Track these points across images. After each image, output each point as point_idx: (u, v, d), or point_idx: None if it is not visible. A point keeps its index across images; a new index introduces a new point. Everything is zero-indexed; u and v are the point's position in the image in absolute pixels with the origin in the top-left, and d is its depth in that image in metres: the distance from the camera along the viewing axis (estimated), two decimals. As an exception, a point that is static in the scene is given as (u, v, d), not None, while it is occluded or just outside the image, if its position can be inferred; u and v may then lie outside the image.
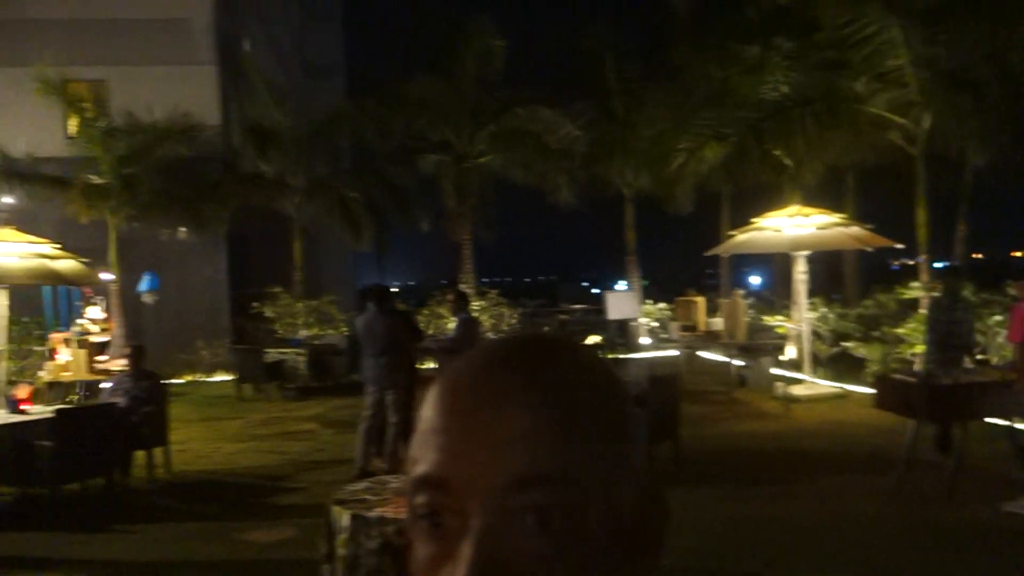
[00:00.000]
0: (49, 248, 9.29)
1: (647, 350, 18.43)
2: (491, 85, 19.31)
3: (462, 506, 0.59)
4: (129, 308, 16.37)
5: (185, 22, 18.83)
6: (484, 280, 22.58)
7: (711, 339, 14.60)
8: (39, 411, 7.96)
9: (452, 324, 14.38)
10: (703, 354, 15.92)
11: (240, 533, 6.74)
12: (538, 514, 0.58)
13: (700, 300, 15.77)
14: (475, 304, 16.26)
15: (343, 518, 4.04)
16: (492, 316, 18.06)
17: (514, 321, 18.84)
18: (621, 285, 21.80)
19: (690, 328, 15.34)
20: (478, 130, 19.19)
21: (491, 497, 0.58)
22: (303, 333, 17.12)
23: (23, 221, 11.19)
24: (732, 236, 13.74)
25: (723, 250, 14.54)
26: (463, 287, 16.98)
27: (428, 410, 0.63)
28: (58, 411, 7.64)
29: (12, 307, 9.21)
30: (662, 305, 20.43)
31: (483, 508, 0.58)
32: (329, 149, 20.05)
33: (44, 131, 16.96)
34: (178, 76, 18.33)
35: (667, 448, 8.01)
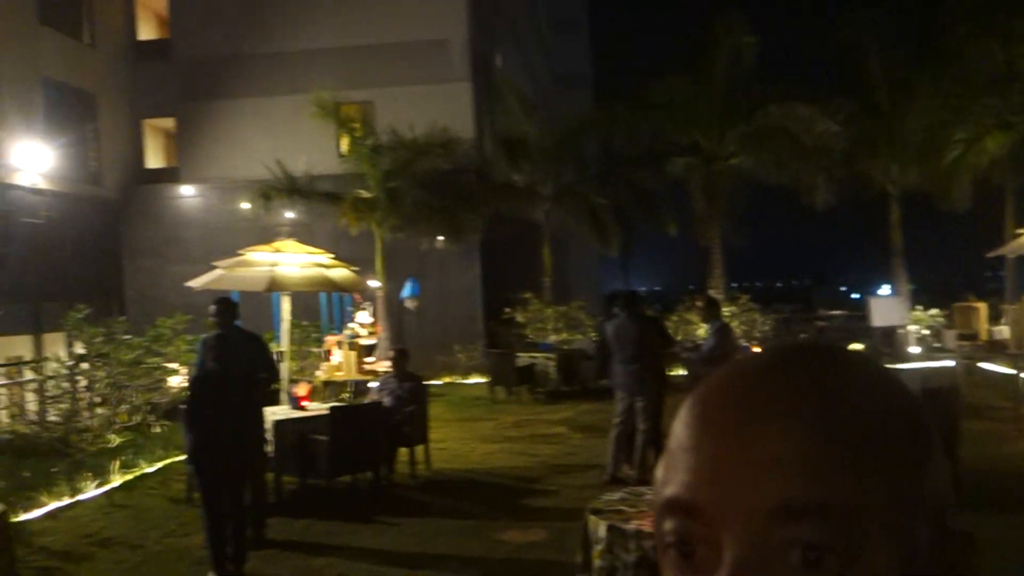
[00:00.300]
0: (325, 258, 10.03)
1: (917, 360, 16.97)
2: (742, 84, 18.72)
3: (715, 536, 0.51)
4: (393, 313, 17.50)
5: (443, 43, 19.86)
6: (734, 284, 21.91)
7: (994, 349, 13.21)
8: (316, 408, 8.62)
9: (701, 330, 14.04)
10: (985, 365, 14.41)
11: (495, 532, 6.91)
12: (805, 552, 0.49)
13: (981, 306, 14.33)
14: (725, 310, 15.76)
15: (600, 529, 3.99)
16: (743, 322, 17.44)
17: (767, 328, 18.09)
18: (885, 289, 20.28)
19: (969, 336, 13.98)
20: (728, 130, 18.65)
21: (749, 528, 0.50)
22: (552, 338, 17.45)
23: (302, 234, 12.30)
24: (1021, 235, 12.32)
25: (1010, 250, 13.09)
26: (713, 292, 16.54)
27: (679, 425, 0.56)
28: (332, 408, 8.23)
29: (293, 312, 10.07)
30: (934, 311, 18.75)
31: (739, 540, 0.50)
32: (577, 156, 20.34)
33: (319, 151, 18.55)
34: (436, 94, 19.40)
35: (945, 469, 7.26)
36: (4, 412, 11.92)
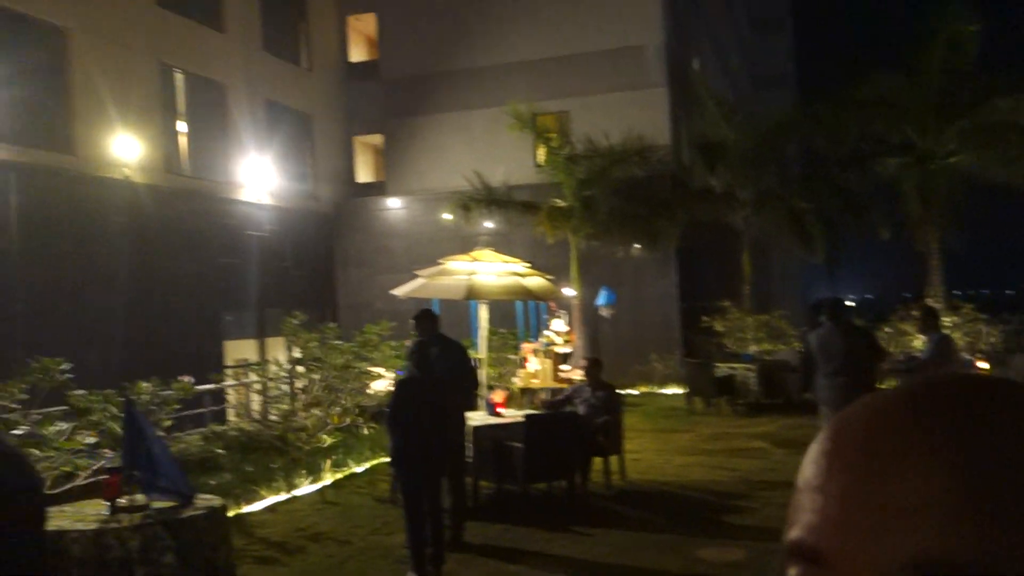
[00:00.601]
0: (521, 267, 10.18)
1: None
2: (962, 76, 17.29)
3: None
4: (588, 321, 17.52)
5: (639, 49, 19.73)
6: (956, 292, 20.28)
7: None
8: (511, 415, 8.76)
9: (918, 342, 13.07)
10: None
11: (692, 548, 6.73)
12: None
13: None
14: (946, 320, 14.58)
15: (801, 552, 3.77)
16: (967, 334, 16.06)
17: (993, 339, 16.58)
18: None
19: None
20: (946, 127, 17.29)
21: None
22: (753, 348, 16.86)
23: (500, 243, 12.57)
24: None
25: None
26: (931, 301, 15.36)
27: (808, 461, 0.51)
28: (528, 416, 8.34)
29: (490, 319, 10.28)
30: None
31: None
32: (778, 159, 19.59)
33: (516, 161, 18.95)
34: (632, 101, 19.31)
35: None
36: (232, 411, 12.99)
